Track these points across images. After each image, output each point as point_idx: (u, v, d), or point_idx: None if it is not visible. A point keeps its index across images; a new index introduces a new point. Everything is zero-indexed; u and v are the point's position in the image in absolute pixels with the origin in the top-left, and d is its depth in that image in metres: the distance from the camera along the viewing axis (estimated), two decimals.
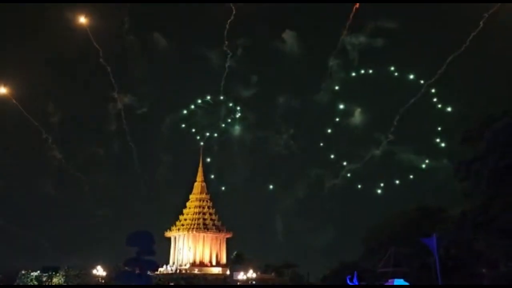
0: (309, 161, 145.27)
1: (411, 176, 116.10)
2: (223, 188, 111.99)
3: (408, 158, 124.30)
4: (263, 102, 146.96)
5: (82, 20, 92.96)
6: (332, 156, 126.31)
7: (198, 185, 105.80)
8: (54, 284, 78.09)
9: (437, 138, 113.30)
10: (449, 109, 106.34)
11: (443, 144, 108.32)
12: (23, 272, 78.12)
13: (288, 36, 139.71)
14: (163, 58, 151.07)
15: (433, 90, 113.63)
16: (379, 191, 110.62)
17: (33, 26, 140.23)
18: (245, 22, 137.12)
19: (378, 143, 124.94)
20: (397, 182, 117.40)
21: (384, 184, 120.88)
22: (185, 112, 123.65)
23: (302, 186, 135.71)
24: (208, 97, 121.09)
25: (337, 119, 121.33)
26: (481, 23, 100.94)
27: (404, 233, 49.67)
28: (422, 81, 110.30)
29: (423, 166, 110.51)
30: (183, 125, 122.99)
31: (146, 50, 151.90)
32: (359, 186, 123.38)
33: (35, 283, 77.92)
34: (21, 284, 76.83)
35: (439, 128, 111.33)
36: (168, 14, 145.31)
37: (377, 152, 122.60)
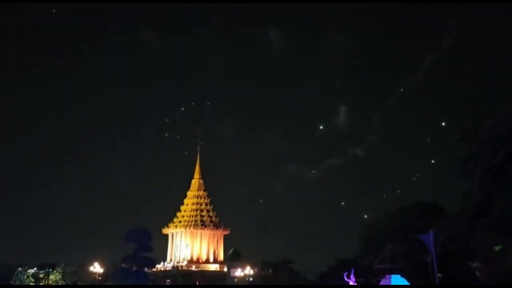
0: (304, 158, 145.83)
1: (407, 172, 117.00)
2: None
3: (397, 159, 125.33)
4: (251, 101, 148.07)
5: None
6: (326, 154, 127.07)
7: (195, 182, 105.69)
8: (51, 280, 78.05)
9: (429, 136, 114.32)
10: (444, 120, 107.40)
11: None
12: (19, 269, 77.94)
13: (274, 35, 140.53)
14: (151, 56, 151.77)
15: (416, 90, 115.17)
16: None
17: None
18: (231, 21, 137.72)
19: (362, 142, 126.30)
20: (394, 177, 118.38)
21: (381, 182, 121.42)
22: (166, 120, 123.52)
23: (299, 182, 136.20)
24: (193, 103, 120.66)
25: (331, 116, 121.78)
26: (452, 30, 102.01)
27: (401, 230, 49.75)
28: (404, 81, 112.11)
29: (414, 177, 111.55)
30: (173, 127, 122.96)
31: (135, 50, 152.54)
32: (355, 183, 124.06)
33: (32, 280, 77.79)
34: (17, 281, 76.70)
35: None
36: (155, 12, 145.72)
37: (360, 152, 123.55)
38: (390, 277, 35.58)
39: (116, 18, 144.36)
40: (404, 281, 35.31)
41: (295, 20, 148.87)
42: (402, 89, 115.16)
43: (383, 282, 36.39)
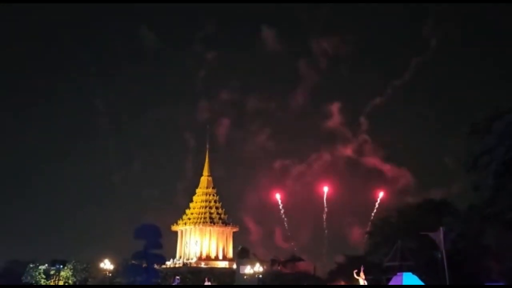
0: (307, 155, 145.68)
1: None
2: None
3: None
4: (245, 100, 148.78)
5: None
6: (328, 150, 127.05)
7: (204, 179, 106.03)
8: (61, 277, 78.81)
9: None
10: None
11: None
12: (31, 265, 78.71)
13: (266, 35, 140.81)
14: (149, 55, 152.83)
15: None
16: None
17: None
18: (225, 21, 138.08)
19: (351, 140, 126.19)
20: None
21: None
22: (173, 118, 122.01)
23: (302, 179, 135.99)
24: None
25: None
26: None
27: (410, 227, 49.45)
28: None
29: None
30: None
31: (132, 49, 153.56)
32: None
33: (43, 276, 78.63)
34: (29, 277, 77.52)
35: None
36: (150, 12, 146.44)
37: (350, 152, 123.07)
38: (402, 275, 35.35)
39: (113, 19, 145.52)
40: (416, 279, 35.10)
41: (287, 20, 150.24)
42: (400, 86, 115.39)
43: (394, 279, 36.21)
